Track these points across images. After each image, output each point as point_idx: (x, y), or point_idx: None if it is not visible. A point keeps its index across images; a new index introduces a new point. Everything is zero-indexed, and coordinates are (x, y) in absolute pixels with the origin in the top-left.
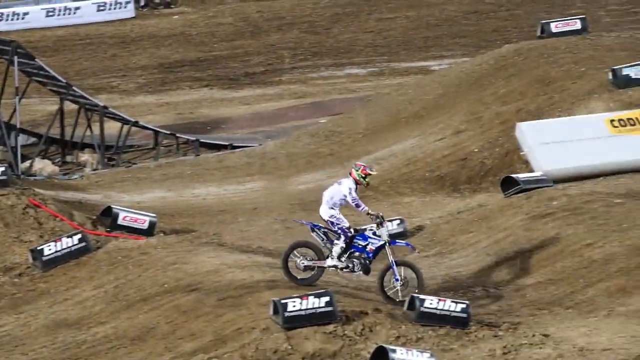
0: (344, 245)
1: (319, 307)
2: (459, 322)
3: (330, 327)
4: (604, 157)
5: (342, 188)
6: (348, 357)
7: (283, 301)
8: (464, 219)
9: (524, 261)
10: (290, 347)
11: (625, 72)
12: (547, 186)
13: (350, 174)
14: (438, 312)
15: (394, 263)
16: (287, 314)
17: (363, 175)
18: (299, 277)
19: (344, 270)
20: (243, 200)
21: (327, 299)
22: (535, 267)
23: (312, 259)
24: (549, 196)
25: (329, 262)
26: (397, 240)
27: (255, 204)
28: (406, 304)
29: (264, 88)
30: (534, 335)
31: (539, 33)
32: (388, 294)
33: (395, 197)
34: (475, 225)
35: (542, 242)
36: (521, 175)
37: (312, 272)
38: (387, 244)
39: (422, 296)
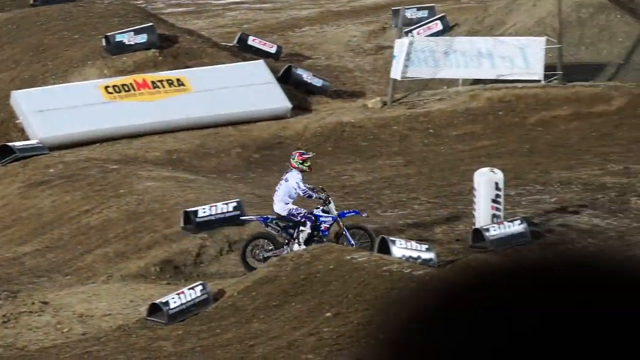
0: (310, 231)
1: None
2: None
3: None
4: (99, 123)
5: (290, 184)
6: None
7: None
8: None
9: (21, 229)
10: None
11: (118, 38)
12: (44, 154)
13: (291, 165)
14: None
15: (346, 231)
16: None
17: (301, 162)
18: (257, 268)
19: None
20: None
21: None
22: (33, 235)
23: (272, 250)
24: (45, 164)
25: (297, 247)
26: (345, 212)
27: None
28: None
29: None
30: (33, 303)
31: (31, 1)
32: None
33: None
34: None
35: (39, 210)
36: (17, 144)
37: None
38: (338, 217)
39: None
